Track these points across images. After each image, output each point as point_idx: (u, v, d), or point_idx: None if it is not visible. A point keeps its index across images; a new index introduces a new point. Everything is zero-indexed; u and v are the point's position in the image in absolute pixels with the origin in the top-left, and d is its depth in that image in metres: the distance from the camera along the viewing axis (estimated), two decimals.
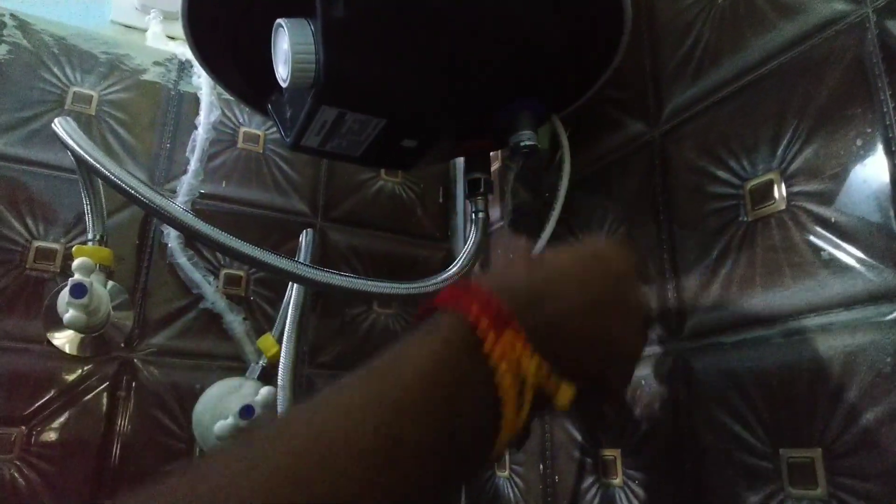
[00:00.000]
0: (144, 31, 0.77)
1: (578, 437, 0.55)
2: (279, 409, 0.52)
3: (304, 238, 0.57)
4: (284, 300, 0.67)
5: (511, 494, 0.63)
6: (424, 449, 0.24)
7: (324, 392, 0.25)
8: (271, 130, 0.75)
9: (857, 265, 0.36)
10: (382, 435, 0.23)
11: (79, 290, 0.53)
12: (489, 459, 0.28)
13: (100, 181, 0.57)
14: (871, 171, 0.37)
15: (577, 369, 0.30)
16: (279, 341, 0.66)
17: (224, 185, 0.71)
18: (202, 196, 0.69)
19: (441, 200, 0.84)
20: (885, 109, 0.36)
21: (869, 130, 0.37)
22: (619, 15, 0.47)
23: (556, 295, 0.30)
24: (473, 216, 0.58)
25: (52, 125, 0.54)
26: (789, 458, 0.38)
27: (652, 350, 0.49)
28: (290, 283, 0.65)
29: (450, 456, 0.25)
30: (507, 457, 0.65)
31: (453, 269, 0.55)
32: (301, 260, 0.55)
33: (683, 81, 0.50)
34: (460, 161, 0.82)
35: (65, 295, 0.54)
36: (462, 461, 0.26)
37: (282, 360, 0.52)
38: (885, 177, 0.36)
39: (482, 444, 0.27)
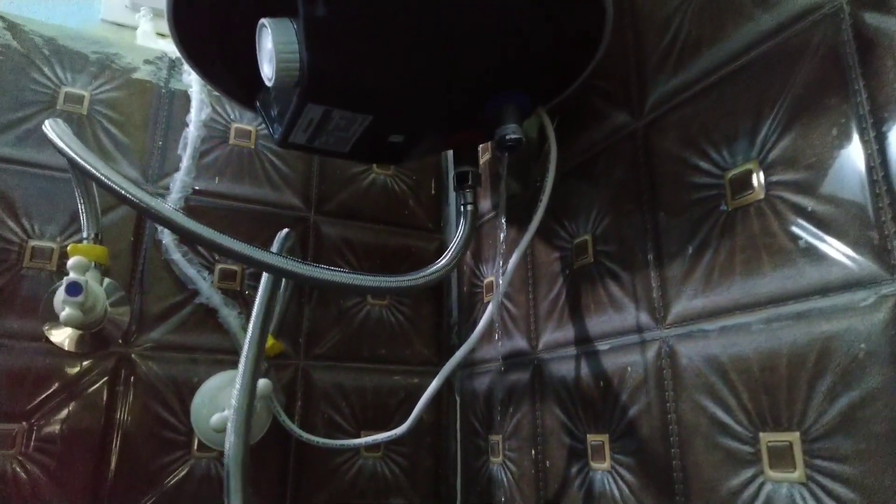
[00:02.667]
0: (135, 28, 0.77)
1: (568, 423, 0.57)
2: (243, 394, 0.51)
3: (280, 235, 0.57)
4: (279, 295, 0.68)
5: (504, 479, 0.64)
6: None
7: None
8: (263, 126, 0.75)
9: (833, 253, 0.37)
10: None
11: (74, 289, 0.54)
12: None
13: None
14: (846, 160, 0.37)
15: None
16: (275, 335, 0.67)
17: (217, 181, 0.71)
18: (195, 193, 0.70)
19: (433, 192, 0.84)
20: (858, 99, 0.37)
21: (843, 120, 0.38)
22: (600, 7, 0.47)
23: None
24: (462, 208, 0.58)
25: (43, 127, 0.54)
26: (769, 442, 0.39)
27: (638, 337, 0.50)
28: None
29: None
30: (500, 444, 0.66)
31: (443, 261, 0.56)
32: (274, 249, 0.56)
33: (665, 72, 0.50)
34: (452, 152, 0.82)
35: (61, 293, 0.55)
36: None
37: (245, 347, 0.53)
38: (861, 166, 0.36)
39: None
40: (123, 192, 0.47)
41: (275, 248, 0.56)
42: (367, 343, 0.75)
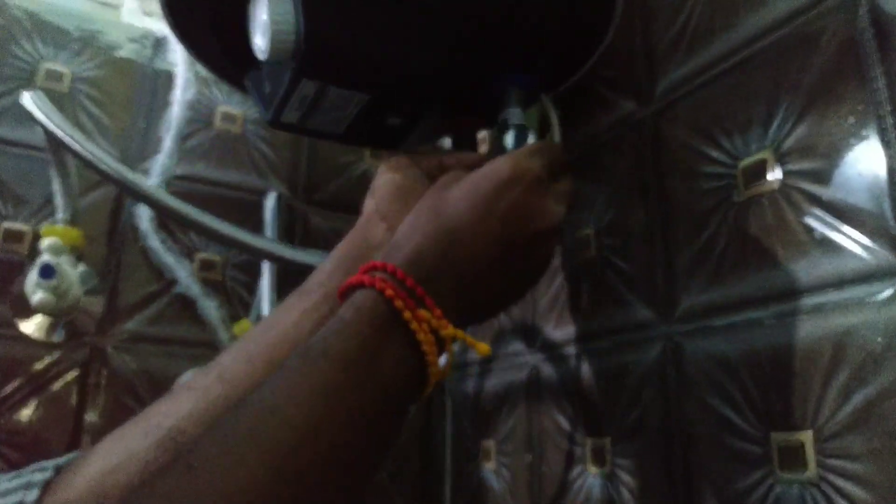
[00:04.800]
0: (119, 7, 0.75)
1: (566, 425, 0.54)
2: None
3: (268, 203, 0.55)
4: (261, 285, 0.65)
5: (497, 485, 0.62)
6: (361, 419, 0.28)
7: (265, 388, 0.27)
8: (250, 110, 0.73)
9: (849, 244, 0.36)
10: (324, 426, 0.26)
11: (47, 272, 0.51)
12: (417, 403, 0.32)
13: (70, 159, 0.55)
14: (864, 147, 0.36)
15: (487, 317, 0.37)
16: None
17: (200, 166, 0.68)
18: (177, 178, 0.67)
19: None
20: (876, 86, 0.36)
21: (861, 108, 0.36)
22: None
23: (462, 258, 0.33)
24: None
25: (21, 99, 0.51)
26: (780, 441, 0.37)
27: (641, 334, 0.48)
28: (264, 266, 0.64)
29: (381, 416, 0.29)
30: (493, 448, 0.64)
31: None
32: (269, 228, 0.54)
33: (676, 58, 0.49)
34: (447, 144, 0.80)
35: (33, 276, 0.52)
36: (392, 417, 0.30)
37: None
38: (878, 153, 0.35)
39: (411, 397, 0.31)
40: (104, 166, 0.44)
41: (268, 217, 0.54)
42: None
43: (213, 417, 0.32)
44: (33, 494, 0.29)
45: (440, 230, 0.34)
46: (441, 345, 0.31)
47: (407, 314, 0.29)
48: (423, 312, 0.30)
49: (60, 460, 0.32)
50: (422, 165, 0.44)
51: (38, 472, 0.30)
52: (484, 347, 0.33)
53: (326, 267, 0.40)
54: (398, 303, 0.29)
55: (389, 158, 0.43)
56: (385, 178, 0.42)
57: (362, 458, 0.28)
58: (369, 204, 0.43)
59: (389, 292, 0.29)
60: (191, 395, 0.33)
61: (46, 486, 0.29)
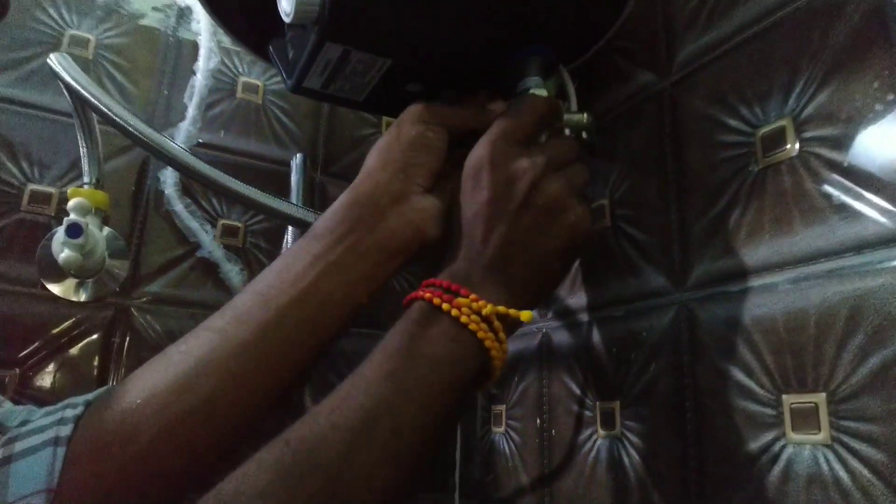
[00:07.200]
0: None
1: (577, 390, 0.55)
2: None
3: (295, 162, 0.56)
4: (283, 252, 0.66)
5: (507, 449, 0.63)
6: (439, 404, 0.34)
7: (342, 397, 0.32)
8: (271, 81, 0.73)
9: (869, 209, 0.36)
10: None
11: (75, 230, 0.52)
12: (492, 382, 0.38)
13: (96, 123, 0.56)
14: (888, 113, 0.36)
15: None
16: None
17: (222, 134, 0.69)
18: (200, 145, 0.68)
19: None
20: None
21: (887, 73, 0.36)
22: None
23: (533, 265, 0.41)
24: None
25: (48, 60, 0.52)
26: (792, 403, 0.38)
27: (655, 301, 0.49)
28: (287, 232, 0.64)
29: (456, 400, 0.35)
30: (503, 413, 0.65)
31: None
32: (294, 190, 0.54)
33: (696, 29, 0.49)
34: None
35: (60, 235, 0.53)
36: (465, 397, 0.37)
37: None
38: None
39: (487, 377, 0.37)
40: (130, 127, 0.45)
41: (294, 178, 0.55)
42: (376, 310, 0.73)
43: (233, 366, 0.34)
44: (67, 429, 0.30)
45: (513, 244, 0.40)
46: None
47: (497, 363, 0.36)
48: (501, 356, 0.36)
49: (90, 396, 0.33)
50: (445, 121, 0.45)
51: (69, 409, 0.31)
52: (526, 316, 0.38)
53: (337, 213, 0.41)
54: (488, 342, 0.35)
55: (416, 107, 0.44)
56: (416, 130, 0.44)
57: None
58: (391, 152, 0.44)
59: (482, 335, 0.35)
60: (209, 336, 0.34)
61: (78, 422, 0.30)
